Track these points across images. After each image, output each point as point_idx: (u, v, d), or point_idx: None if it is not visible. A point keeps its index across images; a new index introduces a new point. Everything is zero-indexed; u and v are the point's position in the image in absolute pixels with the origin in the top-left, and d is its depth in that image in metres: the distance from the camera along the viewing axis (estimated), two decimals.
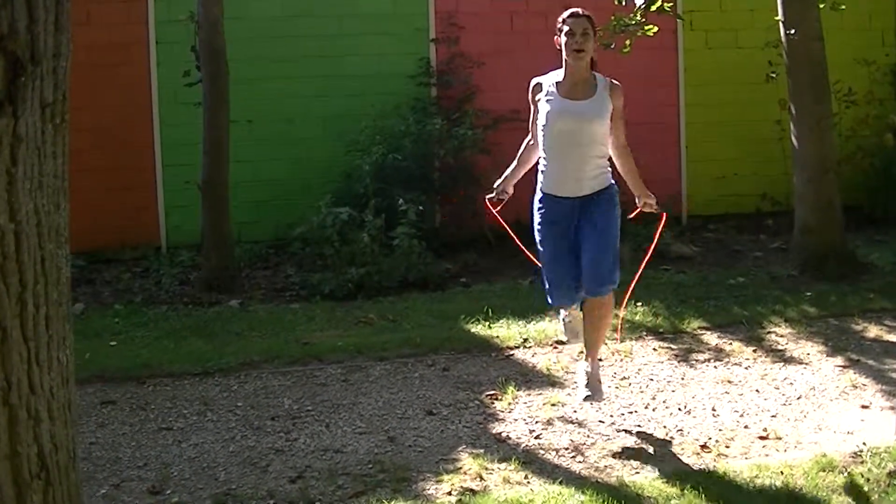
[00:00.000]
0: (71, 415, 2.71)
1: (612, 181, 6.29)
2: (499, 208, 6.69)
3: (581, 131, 6.09)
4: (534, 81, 6.36)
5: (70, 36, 2.59)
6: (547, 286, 6.38)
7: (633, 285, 6.82)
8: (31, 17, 2.43)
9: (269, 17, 11.89)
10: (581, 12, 6.14)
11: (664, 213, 6.61)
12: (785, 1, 10.05)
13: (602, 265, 6.11)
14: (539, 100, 6.27)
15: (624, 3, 10.25)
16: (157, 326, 9.06)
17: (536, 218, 6.34)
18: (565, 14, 6.16)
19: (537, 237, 6.35)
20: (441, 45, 12.13)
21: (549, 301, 6.49)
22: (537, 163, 6.42)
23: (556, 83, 6.21)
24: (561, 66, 6.23)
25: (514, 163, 6.62)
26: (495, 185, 6.63)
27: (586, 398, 6.37)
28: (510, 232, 7.04)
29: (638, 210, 6.54)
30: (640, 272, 6.77)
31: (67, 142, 2.63)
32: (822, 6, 10.16)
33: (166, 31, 11.48)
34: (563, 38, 6.10)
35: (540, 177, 6.33)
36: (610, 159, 6.34)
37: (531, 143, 6.49)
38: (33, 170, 2.48)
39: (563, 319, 6.76)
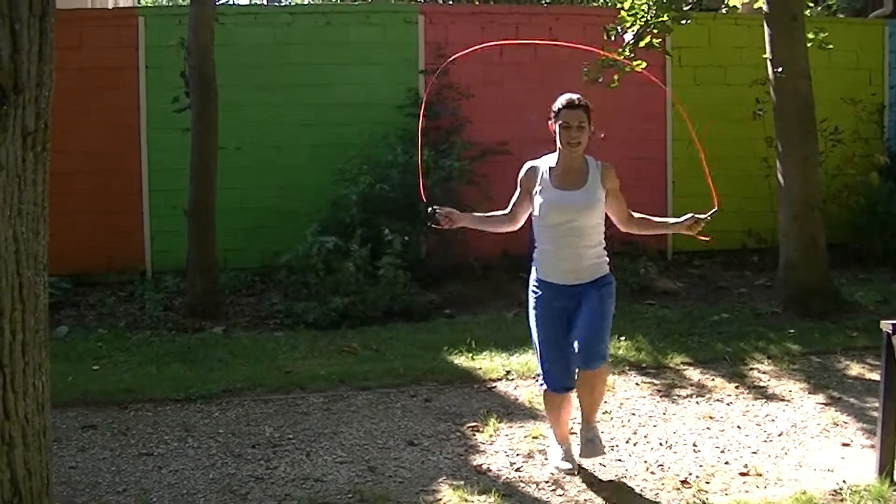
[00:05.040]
0: (46, 441, 2.71)
1: (608, 270, 6.18)
2: (434, 226, 6.37)
3: (574, 222, 6.03)
4: (527, 165, 6.24)
5: (53, 66, 2.59)
6: (542, 367, 6.21)
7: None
8: (15, 46, 2.44)
9: (258, 45, 11.95)
10: (577, 102, 6.01)
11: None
12: (773, 39, 10.12)
13: (593, 347, 6.03)
14: (531, 186, 6.17)
15: (613, 39, 10.32)
16: (140, 351, 9.05)
17: (531, 301, 6.22)
18: (561, 103, 6.03)
19: (532, 319, 6.23)
20: (430, 76, 12.17)
21: (545, 384, 6.22)
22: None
23: (550, 168, 6.13)
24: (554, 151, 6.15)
25: (481, 216, 6.59)
26: (449, 210, 6.31)
27: (582, 454, 6.29)
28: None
29: (697, 234, 6.22)
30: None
31: (48, 170, 2.64)
32: (809, 45, 10.23)
33: (156, 56, 11.53)
34: (559, 130, 6.00)
35: (535, 262, 6.24)
36: (609, 240, 6.26)
37: (505, 216, 6.38)
38: (13, 197, 2.49)
39: (560, 455, 6.43)
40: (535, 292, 6.20)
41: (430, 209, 6.25)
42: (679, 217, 6.32)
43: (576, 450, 6.37)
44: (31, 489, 2.63)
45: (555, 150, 6.15)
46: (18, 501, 2.59)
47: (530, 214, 6.25)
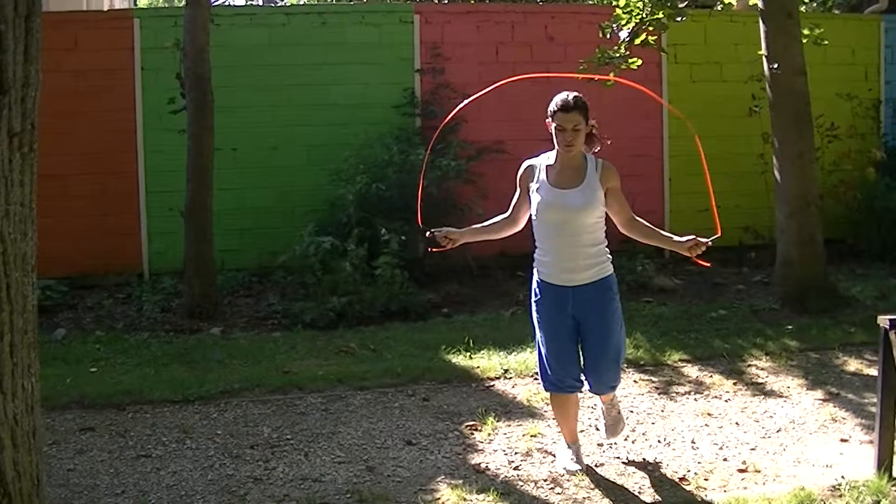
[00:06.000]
0: (36, 442, 2.70)
1: (611, 271, 6.04)
2: (434, 249, 6.28)
3: (570, 222, 5.89)
4: (526, 164, 6.11)
5: (40, 66, 2.58)
6: (543, 371, 6.14)
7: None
8: (1, 46, 2.43)
9: (254, 46, 11.94)
10: (572, 103, 5.84)
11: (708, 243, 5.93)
12: (769, 35, 10.11)
13: (603, 369, 6.01)
14: (529, 185, 6.05)
15: (609, 36, 10.32)
16: (137, 353, 9.04)
17: (534, 305, 6.12)
18: (556, 104, 5.87)
19: (535, 323, 6.13)
20: (426, 76, 12.17)
21: (545, 385, 6.20)
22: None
23: (547, 167, 6.01)
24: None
25: (480, 226, 6.39)
26: (447, 230, 6.23)
27: (607, 435, 6.48)
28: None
29: (695, 258, 6.01)
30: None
31: (35, 171, 2.63)
32: (805, 41, 10.22)
33: (152, 57, 11.52)
34: (554, 131, 5.89)
35: (535, 264, 6.12)
36: (607, 237, 6.09)
37: (505, 219, 6.24)
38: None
39: (569, 457, 6.40)
40: (537, 295, 6.08)
41: (427, 233, 6.14)
42: (681, 236, 6.05)
43: (586, 446, 6.41)
44: (20, 490, 2.63)
45: (553, 148, 6.01)
46: (8, 502, 2.58)
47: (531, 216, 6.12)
